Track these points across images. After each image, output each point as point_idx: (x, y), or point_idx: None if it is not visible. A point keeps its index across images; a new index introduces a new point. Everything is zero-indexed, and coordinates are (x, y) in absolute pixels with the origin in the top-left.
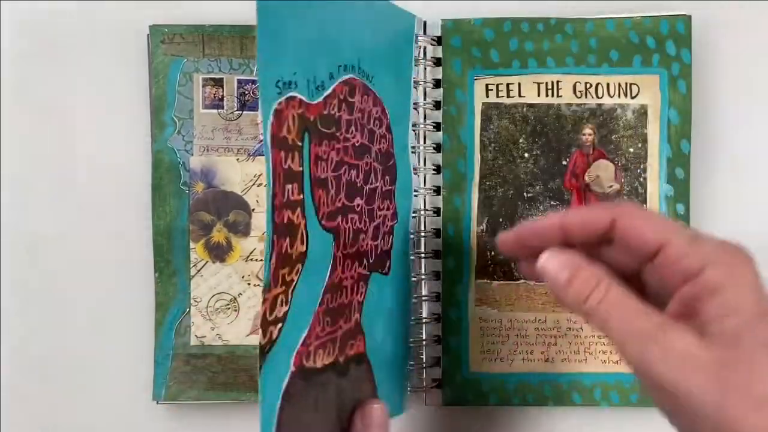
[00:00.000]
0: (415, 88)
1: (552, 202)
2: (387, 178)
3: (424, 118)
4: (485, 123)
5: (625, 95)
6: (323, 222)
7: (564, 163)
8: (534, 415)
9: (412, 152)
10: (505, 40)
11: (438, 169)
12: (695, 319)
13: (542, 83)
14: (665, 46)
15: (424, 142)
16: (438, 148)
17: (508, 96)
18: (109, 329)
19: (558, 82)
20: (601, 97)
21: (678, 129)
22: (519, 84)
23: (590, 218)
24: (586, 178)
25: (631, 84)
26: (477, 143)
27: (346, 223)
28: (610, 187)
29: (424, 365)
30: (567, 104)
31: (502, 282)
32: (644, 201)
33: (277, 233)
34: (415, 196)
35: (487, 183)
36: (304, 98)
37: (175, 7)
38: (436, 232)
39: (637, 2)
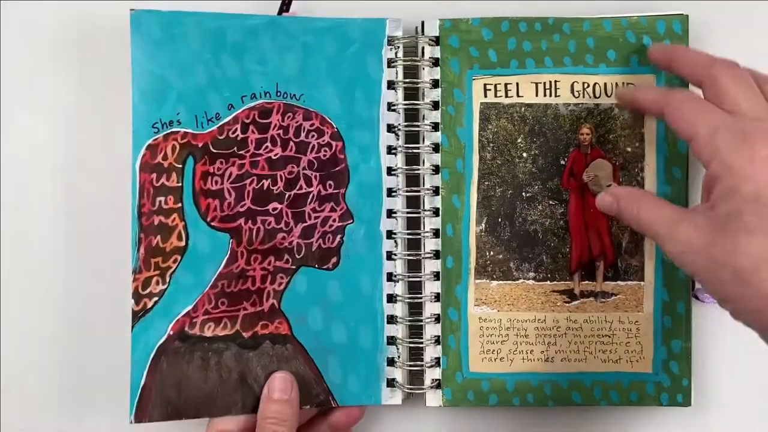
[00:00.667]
0: (394, 89)
1: (550, 202)
2: (330, 182)
3: (423, 118)
4: (483, 123)
5: None
6: (214, 224)
7: (562, 162)
8: (534, 414)
9: (392, 153)
10: (503, 40)
11: (436, 170)
12: (708, 203)
13: (540, 83)
14: None
15: (423, 143)
16: (436, 148)
17: (506, 96)
18: (110, 328)
19: (556, 81)
20: (599, 97)
21: None
22: (517, 84)
23: (649, 105)
24: (584, 177)
25: (628, 84)
26: (476, 143)
27: (254, 224)
28: (608, 186)
29: (424, 366)
30: (565, 104)
31: (501, 282)
32: None
33: (144, 232)
34: (393, 196)
35: (486, 183)
36: (189, 130)
37: (175, 8)
38: (435, 233)
39: (635, 2)
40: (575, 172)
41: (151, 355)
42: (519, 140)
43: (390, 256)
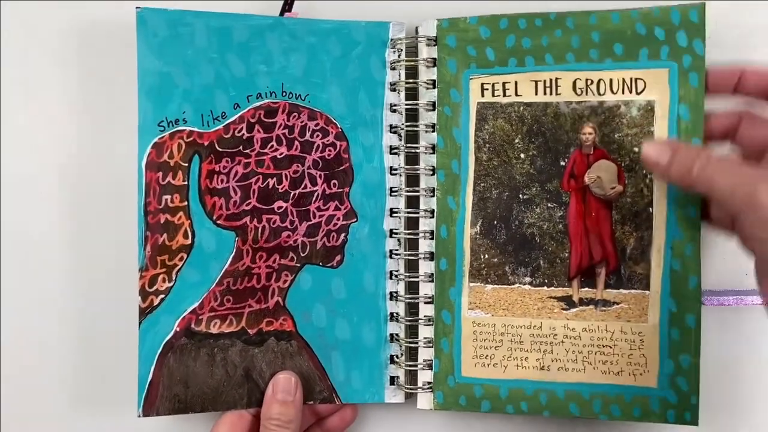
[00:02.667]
0: (396, 90)
1: (549, 204)
2: (334, 181)
3: (420, 118)
4: (480, 123)
5: (630, 91)
6: (220, 222)
7: (562, 163)
8: (536, 423)
9: (394, 153)
10: (501, 38)
11: (433, 170)
12: None
13: (540, 81)
14: (676, 37)
15: (419, 143)
16: (433, 149)
17: (504, 95)
18: (118, 325)
19: (557, 79)
20: (603, 94)
21: (689, 126)
22: (515, 82)
23: (724, 118)
24: (586, 179)
25: (636, 79)
26: (471, 144)
27: (259, 222)
28: (613, 188)
29: (417, 367)
30: (566, 102)
31: (496, 286)
32: (650, 204)
33: (150, 230)
34: (395, 195)
35: (482, 184)
36: (195, 129)
37: (174, 6)
38: (431, 234)
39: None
40: (576, 173)
41: (158, 351)
42: (516, 140)
43: (392, 254)
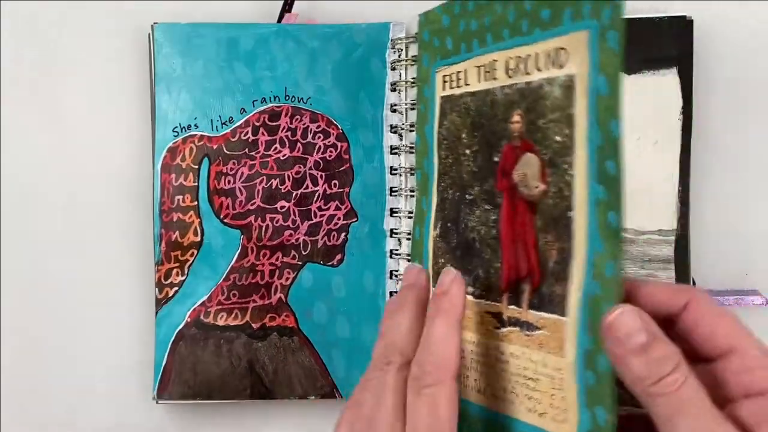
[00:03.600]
0: (396, 90)
1: (485, 206)
2: (335, 181)
3: (406, 118)
4: (441, 118)
5: (553, 65)
6: (226, 221)
7: (496, 159)
8: None
9: (395, 153)
10: (456, 24)
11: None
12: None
13: (481, 66)
14: None
15: (402, 142)
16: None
17: (458, 86)
18: (115, 324)
19: (493, 61)
20: (530, 73)
21: (608, 103)
22: (465, 71)
23: (665, 297)
24: (514, 176)
25: (559, 49)
26: (435, 141)
27: (263, 221)
28: (536, 188)
29: None
30: (501, 87)
31: None
32: (569, 207)
33: (165, 228)
34: (396, 195)
35: (443, 184)
36: (205, 133)
37: (176, 7)
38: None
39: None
40: (507, 170)
41: (172, 339)
42: (463, 135)
43: (392, 254)
